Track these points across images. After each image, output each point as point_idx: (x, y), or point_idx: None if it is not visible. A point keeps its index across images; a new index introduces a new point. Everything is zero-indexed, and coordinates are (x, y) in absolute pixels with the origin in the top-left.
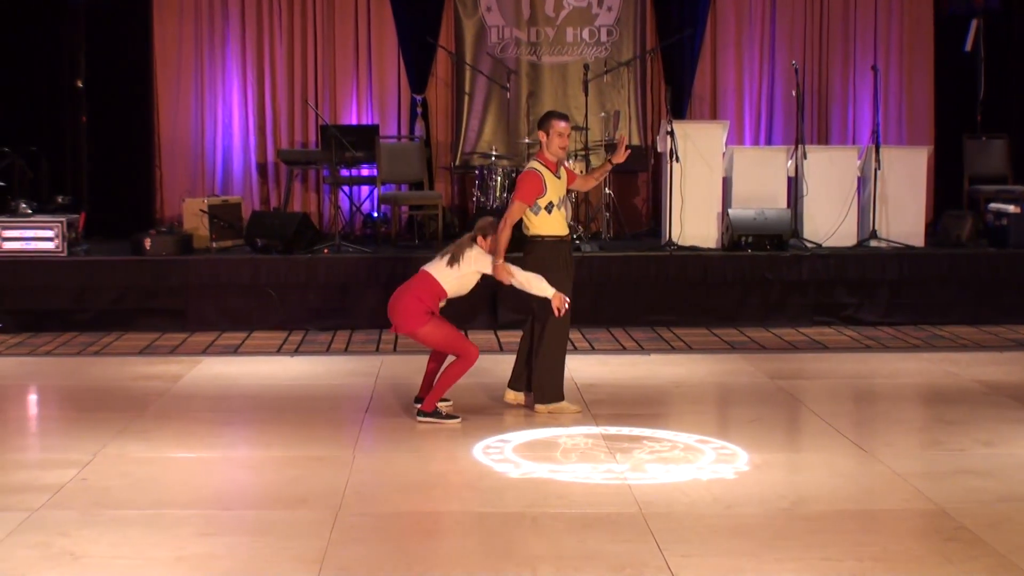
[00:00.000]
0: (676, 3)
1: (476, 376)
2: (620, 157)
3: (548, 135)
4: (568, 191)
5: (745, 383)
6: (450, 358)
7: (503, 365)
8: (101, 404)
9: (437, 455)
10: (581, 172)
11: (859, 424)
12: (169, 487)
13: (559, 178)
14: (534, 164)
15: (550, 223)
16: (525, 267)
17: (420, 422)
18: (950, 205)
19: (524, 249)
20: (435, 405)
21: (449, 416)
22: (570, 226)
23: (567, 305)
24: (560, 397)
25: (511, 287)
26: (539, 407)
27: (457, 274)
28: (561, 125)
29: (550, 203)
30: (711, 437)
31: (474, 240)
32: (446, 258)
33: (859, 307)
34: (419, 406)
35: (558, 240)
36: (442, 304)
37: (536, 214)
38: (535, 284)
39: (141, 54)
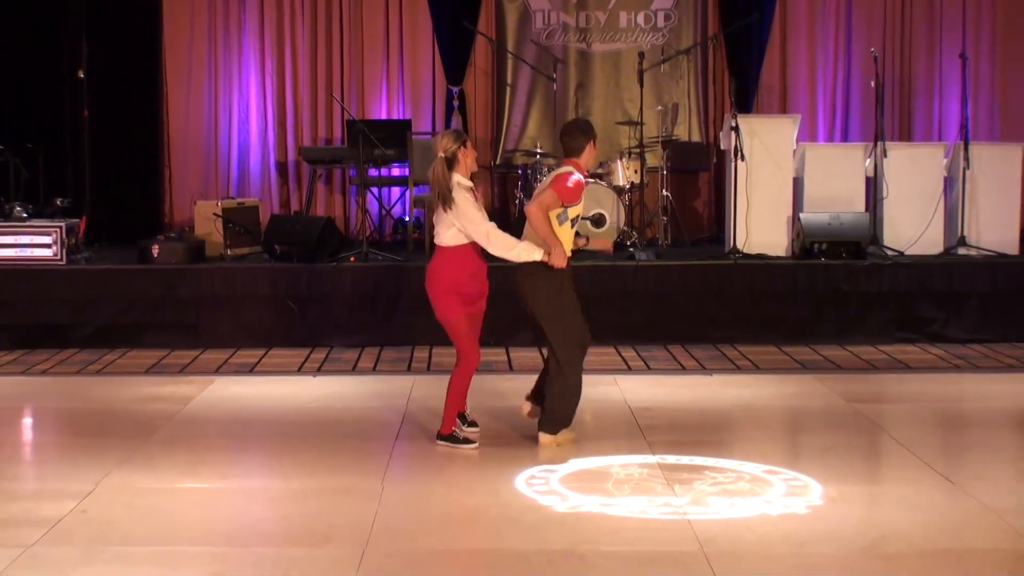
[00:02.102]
0: None
1: (518, 398)
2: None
3: (593, 147)
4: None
5: (818, 407)
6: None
7: None
8: (103, 429)
9: (475, 486)
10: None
11: (946, 453)
12: (178, 521)
13: None
14: (573, 170)
15: (565, 239)
16: (526, 281)
17: (440, 446)
18: None
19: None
20: (452, 428)
21: (466, 440)
22: (622, 231)
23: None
24: (568, 424)
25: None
26: (544, 438)
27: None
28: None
29: (577, 216)
30: (781, 467)
31: (450, 165)
32: (439, 209)
33: (946, 322)
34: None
35: (569, 260)
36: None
37: (560, 224)
38: (524, 248)
39: (149, 41)
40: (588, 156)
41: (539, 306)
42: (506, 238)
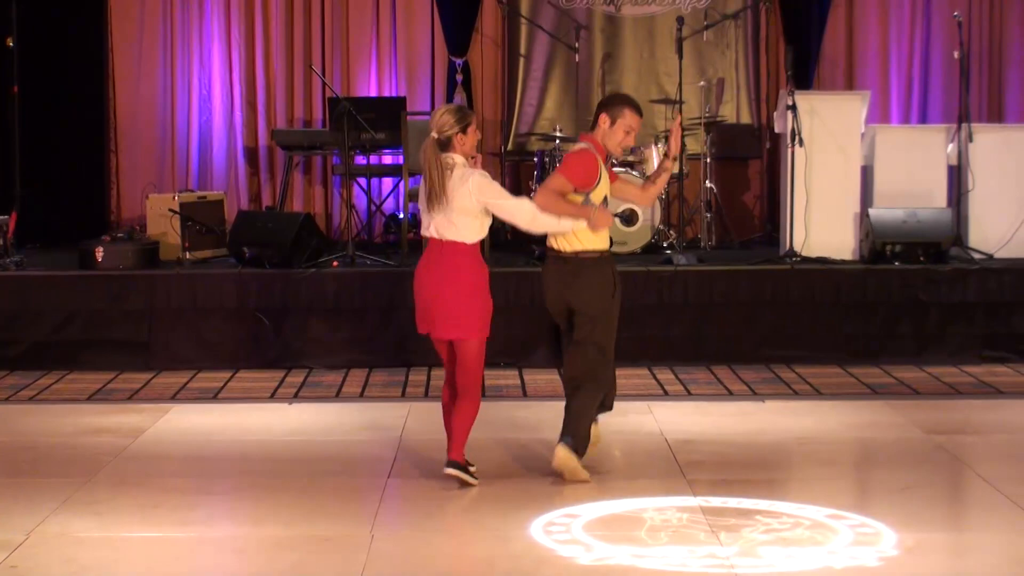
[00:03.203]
0: None
1: (534, 431)
2: (675, 149)
3: (613, 123)
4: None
5: (892, 439)
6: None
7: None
8: (37, 467)
9: (482, 534)
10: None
11: None
12: None
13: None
14: (586, 146)
15: (590, 232)
16: (588, 277)
17: (448, 474)
18: None
19: (545, 266)
20: (464, 455)
21: (473, 475)
22: (658, 231)
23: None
24: (584, 451)
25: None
26: (563, 456)
27: (463, 210)
28: (634, 119)
29: (604, 199)
30: (847, 511)
31: (446, 147)
32: (454, 206)
33: None
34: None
35: (599, 257)
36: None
37: None
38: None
39: (91, 3)
40: (608, 134)
41: (588, 295)
42: (549, 213)
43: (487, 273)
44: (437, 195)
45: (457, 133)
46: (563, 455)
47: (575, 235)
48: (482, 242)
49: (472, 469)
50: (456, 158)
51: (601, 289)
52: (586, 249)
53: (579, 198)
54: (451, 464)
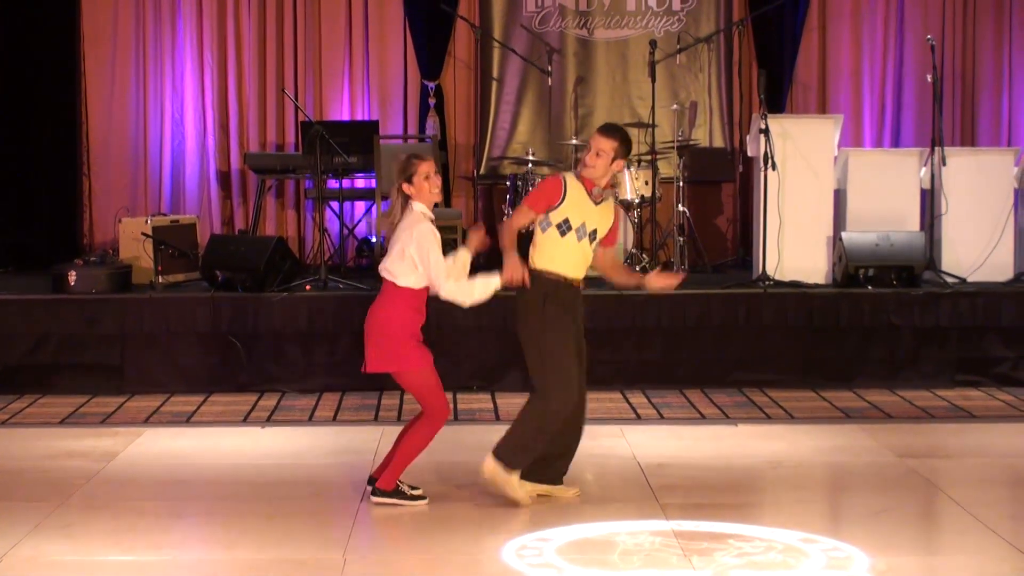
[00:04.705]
0: None
1: None
2: (655, 284)
3: (588, 150)
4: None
5: (865, 463)
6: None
7: None
8: (9, 491)
9: (454, 558)
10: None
11: (1017, 518)
12: None
13: (595, 204)
14: (565, 173)
15: (559, 254)
16: (516, 306)
17: (377, 503)
18: None
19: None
20: (396, 482)
21: (415, 497)
22: (630, 254)
23: (525, 275)
24: (520, 468)
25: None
26: (490, 467)
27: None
28: (601, 142)
29: (565, 221)
30: (820, 535)
31: (401, 191)
32: (395, 248)
33: (1017, 363)
34: (375, 484)
35: (562, 281)
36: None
37: (544, 231)
38: (479, 287)
39: (63, 22)
40: (589, 161)
41: (518, 324)
42: (461, 289)
43: (420, 320)
44: (379, 222)
45: (403, 183)
46: (488, 466)
47: (533, 246)
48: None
49: (416, 492)
50: (417, 205)
51: (527, 308)
52: (535, 268)
53: (540, 218)
54: (377, 492)
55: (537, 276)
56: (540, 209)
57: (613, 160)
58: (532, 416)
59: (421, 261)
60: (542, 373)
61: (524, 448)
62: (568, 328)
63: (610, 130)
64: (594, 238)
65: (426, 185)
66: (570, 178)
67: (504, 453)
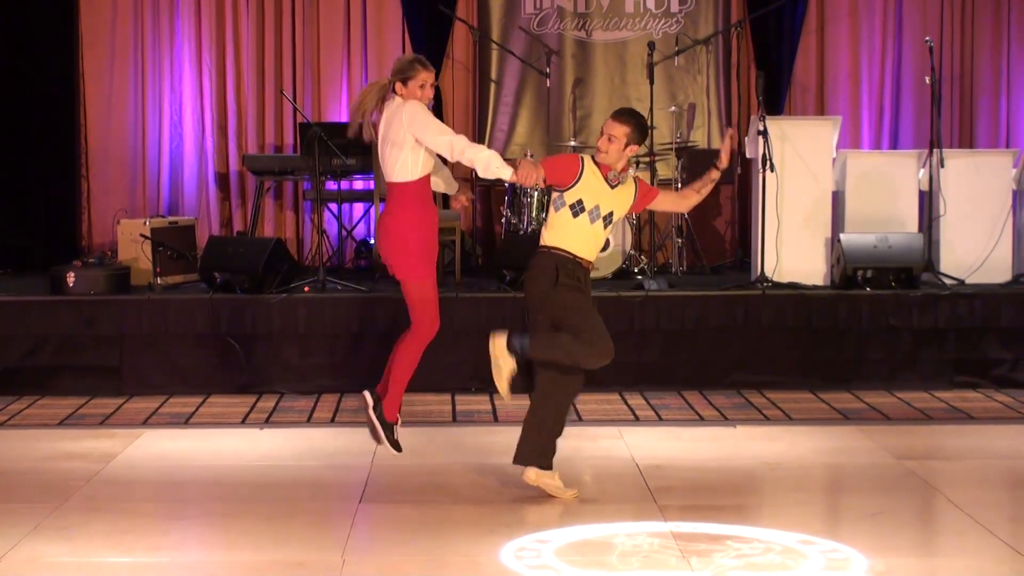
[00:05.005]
0: None
1: (507, 456)
2: (725, 161)
3: (600, 135)
4: (634, 214)
5: (863, 464)
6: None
7: None
8: (8, 493)
9: (452, 559)
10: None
11: (1015, 520)
12: None
13: (611, 187)
14: (585, 155)
15: (570, 233)
16: (525, 281)
17: (368, 419)
18: None
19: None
20: (397, 414)
21: (394, 444)
22: (629, 256)
23: (539, 174)
24: (549, 464)
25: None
26: (532, 475)
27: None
28: (611, 126)
29: (579, 202)
30: (818, 536)
31: (393, 89)
32: (387, 145)
33: (1015, 364)
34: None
35: (572, 258)
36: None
37: (557, 210)
38: (495, 157)
39: (62, 24)
40: (597, 146)
41: (528, 294)
42: (475, 146)
43: (429, 213)
44: (361, 125)
45: (396, 82)
46: (497, 341)
47: (547, 223)
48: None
49: (397, 434)
50: (398, 98)
51: (533, 282)
52: (545, 244)
53: (571, 197)
54: (378, 412)
55: (548, 252)
56: (549, 176)
57: (627, 145)
58: (551, 396)
59: (421, 133)
60: (573, 325)
61: (544, 445)
62: (582, 298)
63: (623, 115)
64: (609, 221)
65: (419, 93)
66: (588, 161)
67: (517, 344)
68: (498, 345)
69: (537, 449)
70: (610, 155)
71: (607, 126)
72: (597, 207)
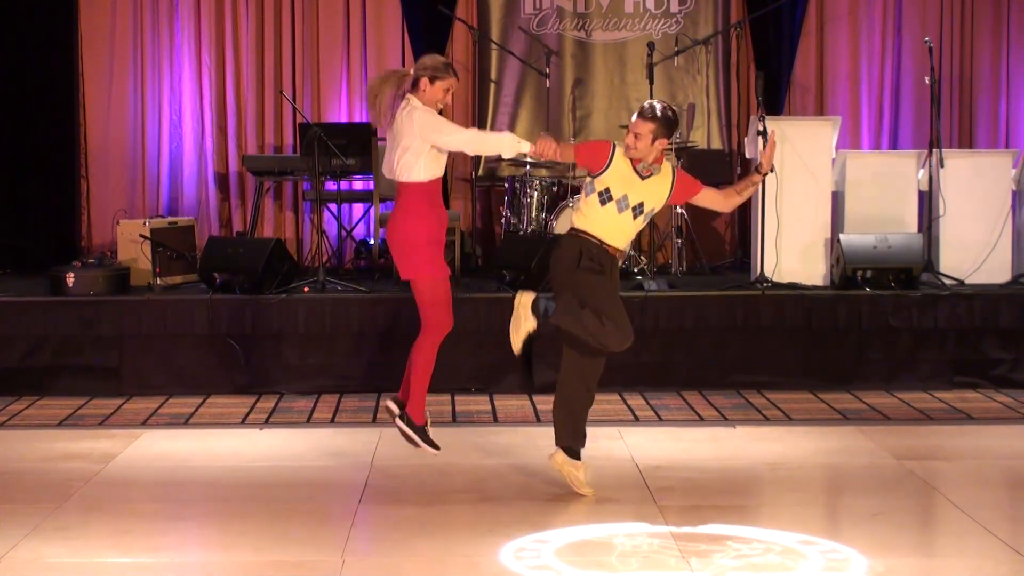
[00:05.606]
0: None
1: (506, 456)
2: (767, 166)
3: (628, 131)
4: (673, 207)
5: (863, 465)
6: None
7: (542, 440)
8: (7, 493)
9: (453, 560)
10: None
11: (1015, 520)
12: None
13: (643, 179)
14: (618, 143)
15: (598, 219)
16: (551, 261)
17: (400, 428)
18: None
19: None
20: (424, 416)
21: (431, 444)
22: (628, 256)
23: (553, 145)
24: (578, 452)
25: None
26: (559, 459)
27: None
28: (636, 124)
29: (607, 191)
30: (818, 537)
31: (414, 86)
32: (399, 146)
33: (1014, 364)
34: (403, 409)
35: (597, 243)
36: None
37: (587, 196)
38: (507, 140)
39: (61, 24)
40: (625, 142)
41: (554, 277)
42: (488, 134)
43: (438, 214)
44: (375, 111)
45: (423, 78)
46: (524, 296)
47: (579, 208)
48: (445, 186)
49: (431, 434)
50: (414, 100)
51: (558, 262)
52: (577, 228)
53: (600, 184)
54: (405, 418)
55: (575, 235)
56: (580, 160)
57: (654, 140)
58: (575, 377)
59: (435, 138)
60: (595, 306)
61: (578, 420)
62: (603, 282)
63: (647, 112)
64: (640, 211)
65: (440, 96)
66: (619, 150)
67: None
68: (524, 301)
69: (569, 429)
70: (638, 151)
71: (632, 125)
72: (625, 196)
